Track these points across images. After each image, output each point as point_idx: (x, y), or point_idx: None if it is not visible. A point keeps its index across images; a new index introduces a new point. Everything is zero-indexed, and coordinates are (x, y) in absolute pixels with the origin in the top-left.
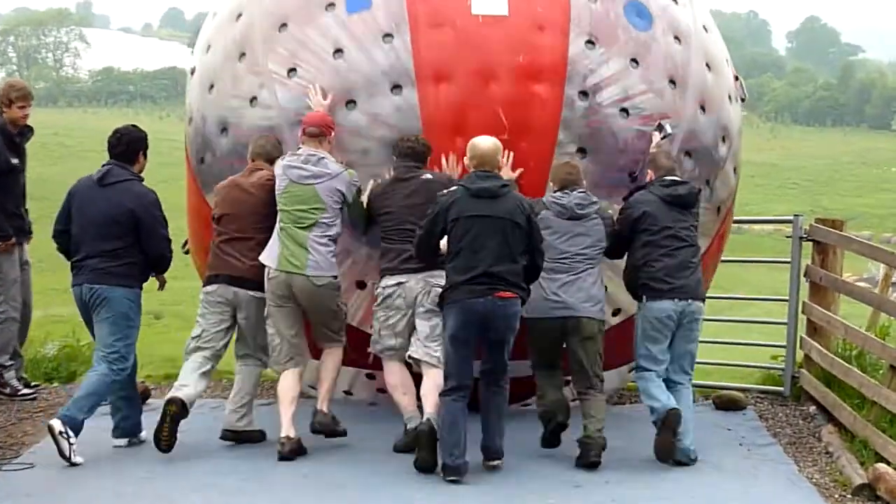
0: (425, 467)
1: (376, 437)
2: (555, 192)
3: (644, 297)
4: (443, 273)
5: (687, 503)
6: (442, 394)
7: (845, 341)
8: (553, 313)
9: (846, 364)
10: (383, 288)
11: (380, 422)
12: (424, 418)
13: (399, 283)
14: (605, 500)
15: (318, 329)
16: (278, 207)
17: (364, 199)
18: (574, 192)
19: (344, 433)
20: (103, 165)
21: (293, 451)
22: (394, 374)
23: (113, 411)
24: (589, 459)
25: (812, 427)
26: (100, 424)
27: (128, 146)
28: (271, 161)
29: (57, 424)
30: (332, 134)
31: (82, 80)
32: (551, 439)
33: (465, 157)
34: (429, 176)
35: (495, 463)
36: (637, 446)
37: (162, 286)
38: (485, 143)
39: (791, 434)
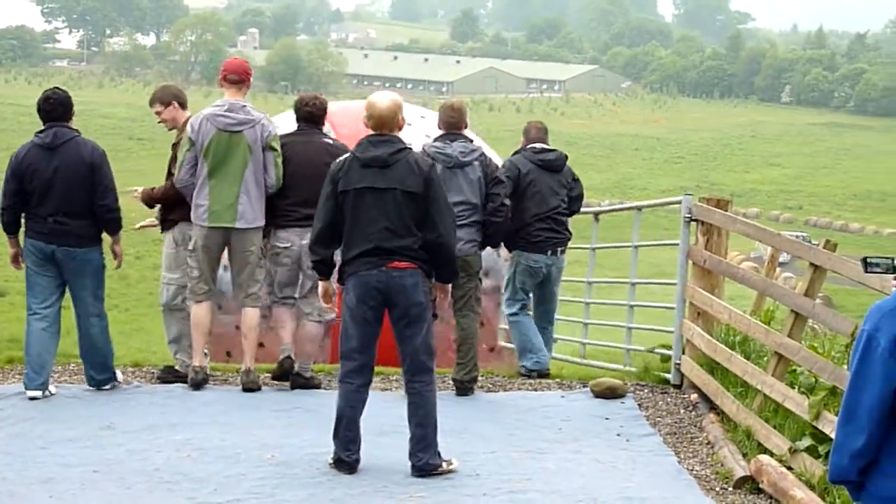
0: None
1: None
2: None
3: (521, 250)
4: None
5: (562, 496)
6: (340, 379)
7: (729, 326)
8: None
9: (729, 350)
10: (275, 244)
11: None
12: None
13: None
14: (477, 494)
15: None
16: (202, 158)
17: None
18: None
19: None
20: (44, 129)
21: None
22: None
23: (40, 367)
24: None
25: (693, 416)
26: None
27: (63, 106)
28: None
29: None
30: (250, 81)
31: None
32: None
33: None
34: (329, 141)
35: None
36: (507, 437)
37: (119, 262)
38: (382, 101)
39: (672, 424)
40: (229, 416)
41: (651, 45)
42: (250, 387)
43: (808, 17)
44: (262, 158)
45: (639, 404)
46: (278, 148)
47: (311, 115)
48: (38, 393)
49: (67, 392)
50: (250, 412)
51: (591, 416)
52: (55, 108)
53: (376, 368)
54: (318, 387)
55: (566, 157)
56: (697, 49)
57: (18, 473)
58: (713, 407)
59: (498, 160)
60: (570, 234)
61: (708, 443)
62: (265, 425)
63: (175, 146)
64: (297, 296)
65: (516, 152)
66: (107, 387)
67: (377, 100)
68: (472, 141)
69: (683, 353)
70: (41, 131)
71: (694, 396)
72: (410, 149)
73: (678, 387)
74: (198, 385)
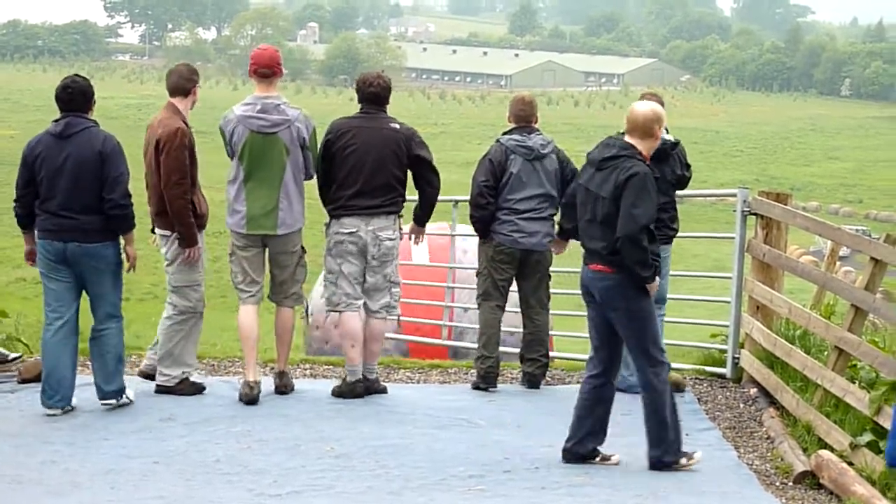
0: None
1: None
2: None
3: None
4: (390, 223)
5: (621, 491)
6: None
7: (789, 321)
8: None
9: (789, 344)
10: (335, 234)
11: None
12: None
13: (351, 232)
14: (535, 487)
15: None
16: (238, 162)
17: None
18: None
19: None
20: (59, 119)
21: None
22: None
23: (57, 382)
24: None
25: (753, 411)
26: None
27: (83, 95)
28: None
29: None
30: (282, 71)
31: None
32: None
33: None
34: (396, 126)
35: None
36: (566, 430)
37: (132, 265)
38: (641, 108)
39: (731, 418)
40: (289, 409)
41: (710, 39)
42: (283, 390)
43: (868, 10)
44: (300, 158)
45: (698, 398)
46: (317, 143)
47: (377, 95)
48: (57, 411)
49: (128, 384)
50: (309, 404)
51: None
52: (74, 97)
53: (434, 361)
54: (384, 391)
55: (672, 143)
56: (756, 42)
57: (81, 464)
58: (773, 402)
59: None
60: (673, 230)
61: (768, 438)
62: (324, 417)
63: (173, 145)
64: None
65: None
66: (113, 401)
67: (637, 107)
68: (543, 134)
69: (742, 347)
70: (56, 120)
71: (753, 391)
72: (626, 155)
73: (737, 381)
74: (252, 401)
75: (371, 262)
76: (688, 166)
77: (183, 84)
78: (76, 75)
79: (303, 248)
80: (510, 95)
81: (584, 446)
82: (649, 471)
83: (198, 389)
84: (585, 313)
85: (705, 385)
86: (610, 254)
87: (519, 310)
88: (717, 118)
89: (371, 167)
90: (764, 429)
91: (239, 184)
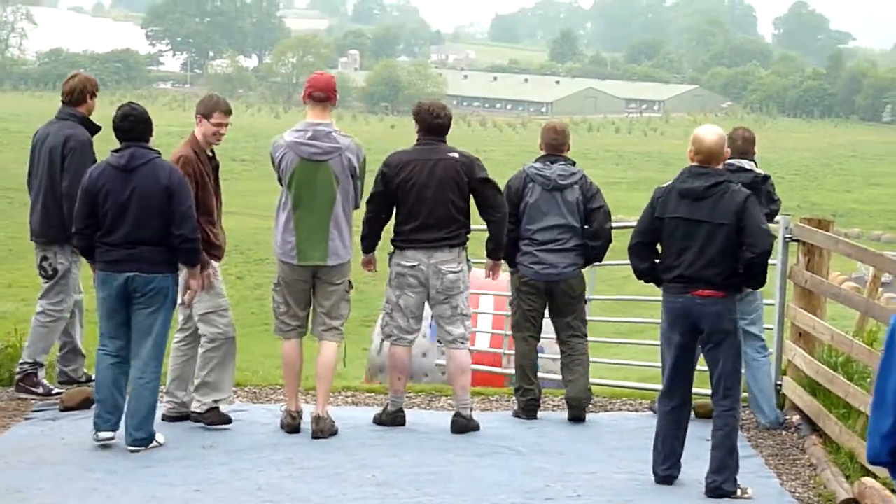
0: None
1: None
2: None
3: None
4: (454, 256)
5: None
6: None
7: (831, 347)
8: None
9: (832, 371)
10: (397, 265)
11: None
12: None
13: (413, 265)
14: None
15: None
16: (286, 190)
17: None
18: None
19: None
20: (120, 149)
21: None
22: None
23: (112, 408)
24: None
25: (795, 438)
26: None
27: (144, 124)
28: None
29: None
30: (337, 98)
31: (29, 62)
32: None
33: None
34: (455, 155)
35: None
36: (608, 457)
37: (190, 299)
38: (709, 135)
39: (773, 445)
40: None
41: (751, 66)
42: (319, 436)
43: None
44: (350, 188)
45: (740, 425)
46: (363, 172)
47: (442, 127)
48: (111, 434)
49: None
50: (350, 431)
51: (693, 437)
52: (135, 125)
53: (476, 389)
54: (477, 428)
55: (763, 177)
56: (797, 69)
57: (123, 492)
58: (815, 429)
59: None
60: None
61: (810, 465)
62: (366, 444)
63: (202, 172)
64: (428, 324)
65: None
66: (142, 448)
67: (704, 134)
68: (573, 163)
69: (784, 374)
70: (117, 150)
71: (796, 418)
72: (727, 180)
73: (779, 408)
74: (294, 430)
75: (435, 296)
76: (775, 200)
77: (199, 110)
78: (132, 103)
79: (350, 282)
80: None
81: (677, 469)
82: (701, 497)
83: (224, 420)
84: (636, 342)
85: (747, 412)
86: (727, 277)
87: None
88: (758, 145)
89: (432, 200)
90: (807, 456)
91: (288, 212)
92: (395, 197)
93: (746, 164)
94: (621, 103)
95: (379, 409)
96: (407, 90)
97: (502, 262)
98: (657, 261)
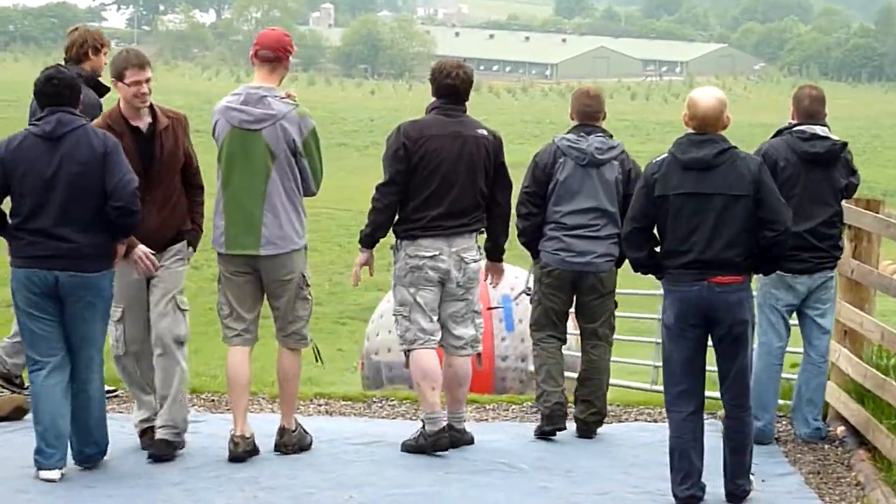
0: None
1: None
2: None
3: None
4: (472, 242)
5: None
6: (668, 406)
7: (881, 348)
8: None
9: (882, 375)
10: (410, 257)
11: None
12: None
13: (433, 255)
14: None
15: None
16: (217, 165)
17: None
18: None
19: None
20: (44, 116)
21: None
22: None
23: (56, 439)
24: None
25: (840, 453)
26: None
27: (70, 88)
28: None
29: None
30: (290, 59)
31: None
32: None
33: None
34: (484, 133)
35: None
36: (623, 475)
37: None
38: (705, 99)
39: (814, 461)
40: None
41: (789, 21)
42: (284, 450)
43: None
44: (291, 167)
45: (776, 438)
46: (315, 149)
47: (454, 90)
48: (56, 474)
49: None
50: (324, 445)
51: (720, 451)
52: (60, 90)
53: (471, 396)
54: (471, 442)
55: (842, 145)
56: (842, 25)
57: None
58: (863, 442)
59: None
60: (840, 249)
61: (857, 483)
62: (342, 460)
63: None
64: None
65: (778, 132)
66: (92, 465)
67: (700, 97)
68: (611, 136)
69: (827, 378)
70: (40, 118)
71: (840, 430)
72: (733, 146)
73: (822, 418)
74: (237, 459)
75: (454, 290)
76: (854, 172)
77: (111, 73)
78: (59, 65)
79: (303, 275)
80: (556, 87)
81: (699, 488)
82: None
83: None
84: (652, 340)
85: (784, 423)
86: (747, 259)
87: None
88: None
89: (462, 186)
90: (853, 473)
91: (218, 191)
92: (413, 176)
93: (820, 129)
94: (638, 65)
95: (356, 420)
96: (389, 50)
97: (503, 264)
98: (656, 249)
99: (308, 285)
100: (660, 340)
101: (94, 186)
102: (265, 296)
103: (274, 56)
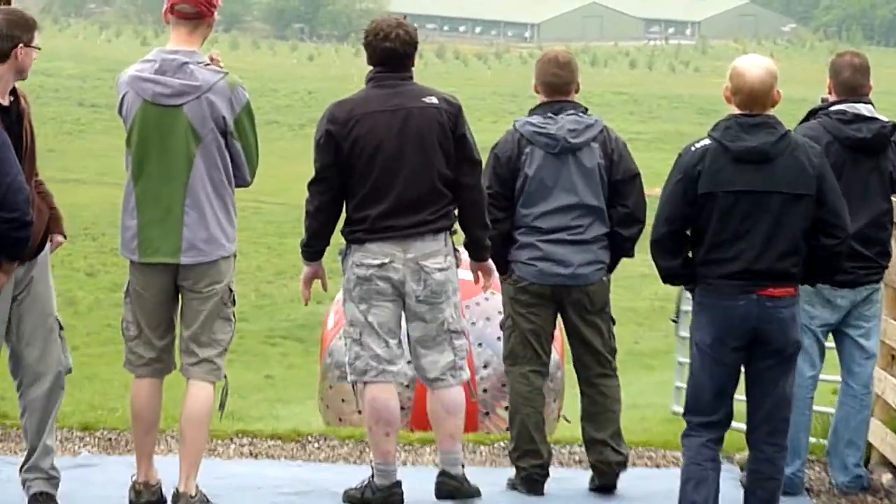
0: None
1: None
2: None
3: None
4: (440, 245)
5: None
6: (685, 433)
7: None
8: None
9: None
10: (357, 266)
11: None
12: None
13: (382, 263)
14: None
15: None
16: (126, 149)
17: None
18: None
19: None
20: None
21: None
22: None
23: None
24: None
25: None
26: None
27: None
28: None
29: None
30: (215, 15)
31: None
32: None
33: None
34: (434, 100)
35: None
36: None
37: None
38: (753, 69)
39: None
40: (216, 499)
41: None
42: None
43: None
44: (219, 152)
45: (807, 489)
46: (250, 128)
47: (394, 54)
48: None
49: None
50: (247, 495)
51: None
52: None
53: (427, 435)
54: (476, 494)
55: (892, 127)
56: None
57: None
58: None
59: None
60: (889, 255)
61: None
62: None
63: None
64: (403, 352)
65: (812, 112)
66: None
67: (747, 67)
68: (585, 111)
69: (872, 414)
70: None
71: (887, 478)
72: (788, 131)
73: (865, 462)
74: None
75: (415, 307)
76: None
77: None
78: None
79: (230, 289)
80: (537, 52)
81: None
82: None
83: None
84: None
85: (817, 468)
86: (800, 269)
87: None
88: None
89: (409, 170)
90: None
91: (129, 184)
92: (348, 168)
93: (864, 108)
94: (639, 25)
95: (288, 463)
96: (330, 6)
97: (490, 262)
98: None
99: (233, 302)
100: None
101: None
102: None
103: (195, 12)
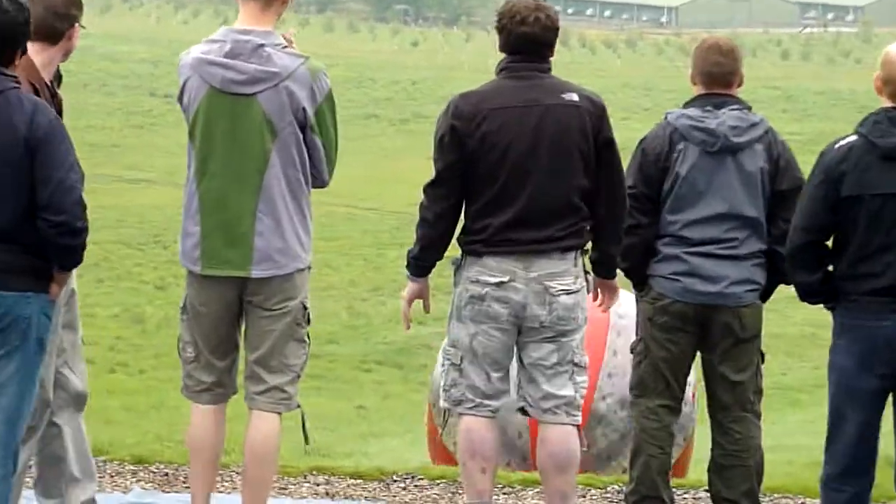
0: None
1: None
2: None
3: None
4: (569, 265)
5: None
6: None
7: None
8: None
9: None
10: (471, 282)
11: None
12: None
13: (501, 282)
14: None
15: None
16: (189, 143)
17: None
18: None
19: None
20: None
21: None
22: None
23: None
24: None
25: None
26: None
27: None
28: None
29: None
30: None
31: None
32: None
33: None
34: (574, 97)
35: None
36: None
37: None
38: None
39: None
40: None
41: None
42: None
43: None
44: (297, 147)
45: None
46: (332, 121)
47: (534, 41)
48: None
49: None
50: None
51: None
52: None
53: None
54: None
55: None
56: None
57: None
58: None
59: None
60: None
61: None
62: None
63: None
64: (508, 388)
65: None
66: None
67: None
68: (749, 108)
69: None
70: None
71: None
72: None
73: None
74: None
75: (535, 334)
76: None
77: (50, 22)
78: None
79: (304, 307)
80: (674, 40)
81: None
82: None
83: None
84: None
85: None
86: None
87: None
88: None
89: (541, 176)
90: None
91: (192, 184)
92: (472, 170)
93: None
94: (793, 10)
95: None
96: None
97: (616, 281)
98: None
99: (308, 321)
100: None
101: (13, 183)
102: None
103: None
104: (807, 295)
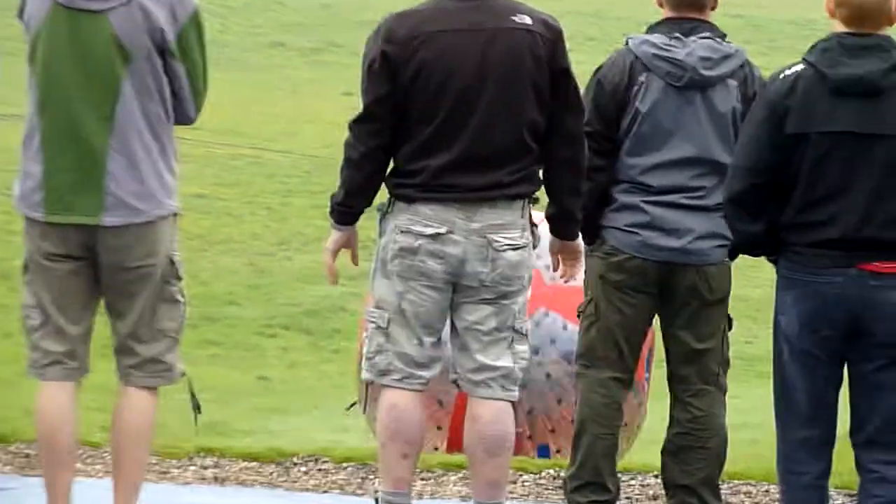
0: None
1: None
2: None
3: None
4: (515, 217)
5: None
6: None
7: None
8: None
9: None
10: (402, 233)
11: None
12: None
13: (437, 234)
14: None
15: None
16: (29, 69)
17: None
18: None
19: None
20: None
21: None
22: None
23: None
24: None
25: None
26: None
27: None
28: None
29: None
30: None
31: None
32: None
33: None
34: (527, 20)
35: None
36: None
37: None
38: None
39: None
40: None
41: None
42: None
43: None
44: (154, 76)
45: None
46: (198, 46)
47: None
48: None
49: None
50: None
51: None
52: None
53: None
54: None
55: None
56: None
57: None
58: None
59: None
60: None
61: None
62: None
63: None
64: (441, 355)
65: None
66: None
67: None
68: (724, 36)
69: None
70: None
71: None
72: None
73: None
74: None
75: (473, 294)
76: None
77: None
78: None
79: (172, 261)
80: None
81: None
82: None
83: None
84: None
85: None
86: None
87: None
88: None
89: (488, 112)
90: None
91: (33, 117)
92: (406, 104)
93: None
94: None
95: (263, 491)
96: None
97: (580, 240)
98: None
99: (179, 278)
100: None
101: None
102: (102, 296)
103: None
104: (747, 245)
